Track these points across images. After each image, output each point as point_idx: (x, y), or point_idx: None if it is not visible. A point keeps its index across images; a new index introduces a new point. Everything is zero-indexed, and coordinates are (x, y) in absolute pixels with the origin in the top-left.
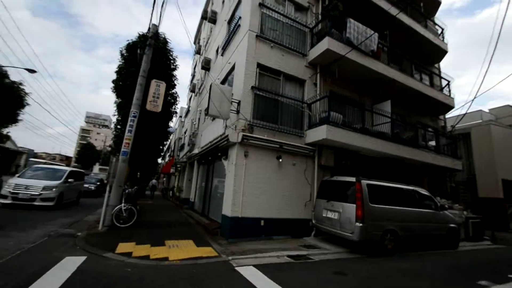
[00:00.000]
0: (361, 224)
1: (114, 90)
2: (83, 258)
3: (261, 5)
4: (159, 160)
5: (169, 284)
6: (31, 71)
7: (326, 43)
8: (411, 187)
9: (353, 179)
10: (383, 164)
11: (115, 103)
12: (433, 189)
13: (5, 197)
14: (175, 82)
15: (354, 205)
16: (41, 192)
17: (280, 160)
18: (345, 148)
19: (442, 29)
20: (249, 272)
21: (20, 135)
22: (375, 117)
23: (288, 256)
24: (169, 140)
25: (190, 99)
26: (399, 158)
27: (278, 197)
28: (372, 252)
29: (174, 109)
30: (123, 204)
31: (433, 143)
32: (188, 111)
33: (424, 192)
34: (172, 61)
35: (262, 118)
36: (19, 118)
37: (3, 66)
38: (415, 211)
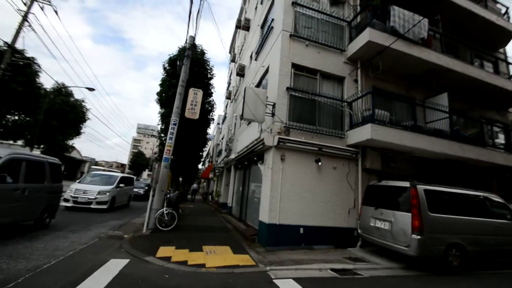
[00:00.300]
0: (419, 237)
1: (158, 101)
2: (126, 261)
3: (294, 3)
4: (200, 166)
5: None
6: (90, 89)
7: (367, 35)
8: (479, 192)
9: (406, 184)
10: (440, 166)
11: (159, 113)
12: (506, 195)
13: (67, 200)
14: (212, 90)
15: (409, 214)
16: (96, 196)
17: (320, 163)
18: (394, 149)
19: (507, 8)
20: (288, 287)
21: (84, 146)
22: (429, 114)
23: (332, 269)
24: (208, 147)
25: (226, 106)
26: (461, 160)
27: (318, 203)
28: (434, 269)
29: (211, 116)
30: (165, 208)
31: (502, 140)
32: (224, 117)
33: (496, 198)
34: (209, 71)
35: (298, 120)
36: (82, 131)
37: (68, 87)
38: (486, 221)
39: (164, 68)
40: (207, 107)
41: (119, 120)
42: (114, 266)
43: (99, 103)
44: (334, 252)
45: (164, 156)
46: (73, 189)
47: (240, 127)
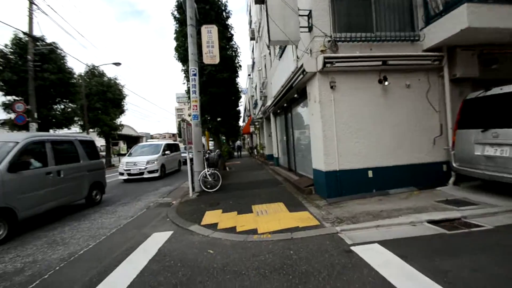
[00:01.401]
0: None
1: (177, 58)
2: (169, 234)
3: None
4: (240, 123)
5: (260, 279)
6: (117, 64)
7: None
8: None
9: None
10: None
11: (181, 70)
12: None
13: (122, 174)
14: (232, 31)
15: None
16: (146, 166)
17: (386, 83)
18: (497, 43)
19: None
20: (379, 259)
21: (139, 123)
22: None
23: (430, 221)
24: (243, 102)
25: (252, 51)
26: None
27: (389, 137)
28: None
29: (237, 62)
30: (206, 169)
31: None
32: (253, 64)
33: None
34: (223, 8)
35: (348, 28)
36: (125, 108)
37: (97, 66)
38: None
39: (174, 17)
40: (230, 54)
41: (159, 93)
42: (155, 243)
43: (137, 80)
44: (419, 196)
45: (192, 113)
46: (124, 163)
47: (272, 66)
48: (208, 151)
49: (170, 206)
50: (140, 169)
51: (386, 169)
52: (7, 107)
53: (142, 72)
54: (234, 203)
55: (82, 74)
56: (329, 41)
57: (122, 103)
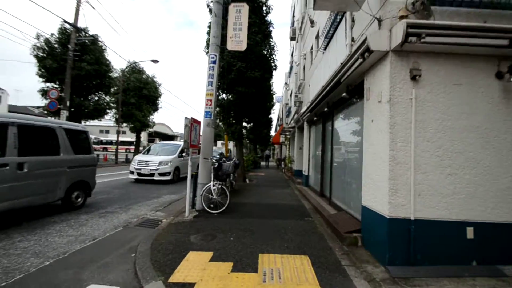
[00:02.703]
0: None
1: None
2: None
3: None
4: (272, 133)
5: None
6: (155, 61)
7: None
8: None
9: None
10: None
11: None
12: None
13: (132, 173)
14: (271, 28)
15: None
16: (158, 167)
17: None
18: None
19: None
20: None
21: (176, 123)
22: None
23: None
24: (276, 110)
25: (292, 54)
26: None
27: (510, 172)
28: None
29: (272, 62)
30: (212, 183)
31: None
32: (290, 69)
33: None
34: (264, 1)
35: None
36: (159, 106)
37: (137, 62)
38: None
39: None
40: (267, 53)
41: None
42: None
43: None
44: None
45: (204, 110)
46: (136, 161)
47: (312, 64)
48: (224, 159)
49: (155, 227)
50: (151, 169)
51: (500, 228)
52: (45, 93)
53: (184, 75)
54: (236, 241)
55: (124, 69)
56: (416, 1)
57: (157, 101)
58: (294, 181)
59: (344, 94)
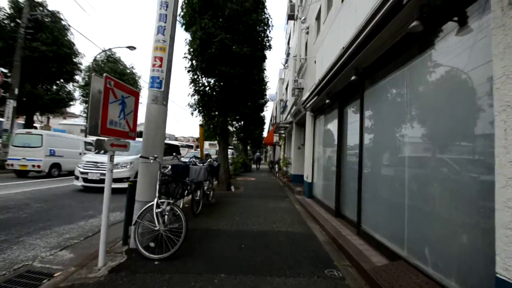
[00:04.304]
0: None
1: (183, 23)
2: None
3: None
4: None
5: None
6: (131, 48)
7: None
8: None
9: None
10: None
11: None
12: None
13: (77, 178)
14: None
15: None
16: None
17: None
18: None
19: None
20: None
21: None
22: None
23: None
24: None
25: (288, 42)
26: None
27: None
28: None
29: (266, 37)
30: (156, 201)
31: None
32: (287, 55)
33: None
34: None
35: None
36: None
37: (112, 48)
38: None
39: None
40: (259, 26)
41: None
42: None
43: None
44: None
45: (150, 74)
46: (83, 162)
47: (319, 33)
48: (195, 161)
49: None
50: (102, 174)
51: None
52: None
53: (177, 76)
54: None
55: (97, 58)
56: None
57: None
58: (292, 189)
59: (415, 24)
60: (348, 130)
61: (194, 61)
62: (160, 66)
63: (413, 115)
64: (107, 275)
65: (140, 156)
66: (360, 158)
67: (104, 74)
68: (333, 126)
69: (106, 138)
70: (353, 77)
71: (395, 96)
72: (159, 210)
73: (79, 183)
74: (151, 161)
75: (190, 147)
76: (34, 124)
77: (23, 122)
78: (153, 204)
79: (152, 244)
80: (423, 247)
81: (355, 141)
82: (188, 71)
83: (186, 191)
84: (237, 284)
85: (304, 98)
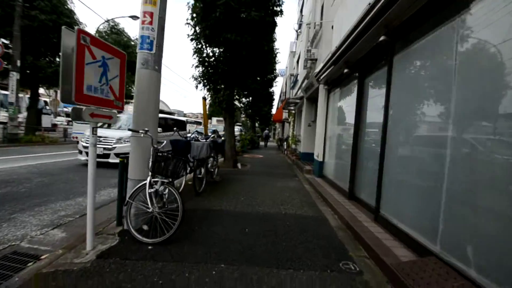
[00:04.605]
0: None
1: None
2: None
3: None
4: (273, 111)
5: None
6: (134, 17)
7: None
8: None
9: None
10: None
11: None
12: None
13: (80, 152)
14: None
15: None
16: (115, 146)
17: None
18: None
19: None
20: None
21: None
22: None
23: None
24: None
25: (301, 8)
26: None
27: None
28: None
29: (277, 6)
30: (149, 180)
31: None
32: (300, 26)
33: None
34: None
35: None
36: None
37: (115, 18)
38: None
39: None
40: None
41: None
42: None
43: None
44: None
45: (139, 33)
46: (86, 136)
47: None
48: (198, 136)
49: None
50: (105, 148)
51: None
52: None
53: (183, 43)
54: None
55: (100, 29)
56: None
57: None
58: (301, 167)
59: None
60: (369, 104)
61: (197, 28)
62: (151, 23)
63: (463, 83)
64: (94, 261)
65: (129, 129)
66: (383, 135)
67: (76, 27)
68: (350, 99)
69: (84, 107)
70: (382, 37)
71: (437, 59)
72: (152, 190)
73: (83, 158)
74: (142, 135)
75: (199, 123)
76: (44, 99)
77: (29, 96)
78: (145, 183)
79: (145, 227)
80: (464, 244)
81: (377, 117)
82: (192, 39)
83: (189, 169)
84: (238, 278)
85: (317, 70)
